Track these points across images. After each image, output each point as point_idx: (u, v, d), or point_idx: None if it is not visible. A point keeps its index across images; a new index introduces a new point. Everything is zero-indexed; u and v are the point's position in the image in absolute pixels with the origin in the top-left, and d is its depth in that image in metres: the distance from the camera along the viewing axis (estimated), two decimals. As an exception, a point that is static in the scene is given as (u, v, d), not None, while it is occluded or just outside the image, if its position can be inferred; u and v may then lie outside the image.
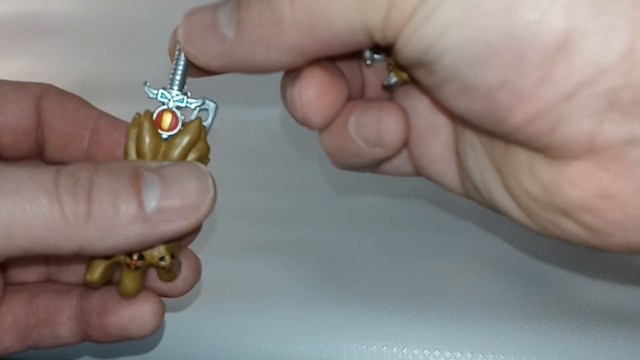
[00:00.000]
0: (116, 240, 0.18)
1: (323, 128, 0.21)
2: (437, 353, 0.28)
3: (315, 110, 0.19)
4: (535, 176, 0.17)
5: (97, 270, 0.20)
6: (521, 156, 0.17)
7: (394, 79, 0.21)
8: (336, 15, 0.16)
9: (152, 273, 0.22)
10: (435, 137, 0.22)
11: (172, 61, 0.21)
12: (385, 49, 0.19)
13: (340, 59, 0.21)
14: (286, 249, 0.35)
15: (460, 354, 0.27)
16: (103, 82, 0.57)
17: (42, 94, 0.23)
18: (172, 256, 0.20)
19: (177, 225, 0.19)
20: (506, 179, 0.19)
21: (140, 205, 0.18)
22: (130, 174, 0.18)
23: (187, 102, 0.21)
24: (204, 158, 0.21)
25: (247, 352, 0.29)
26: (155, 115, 0.21)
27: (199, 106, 0.21)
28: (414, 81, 0.20)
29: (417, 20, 0.15)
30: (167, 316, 0.30)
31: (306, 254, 0.35)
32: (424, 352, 0.28)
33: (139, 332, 0.21)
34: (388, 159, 0.22)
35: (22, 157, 0.24)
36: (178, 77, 0.21)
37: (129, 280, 0.21)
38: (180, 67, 0.21)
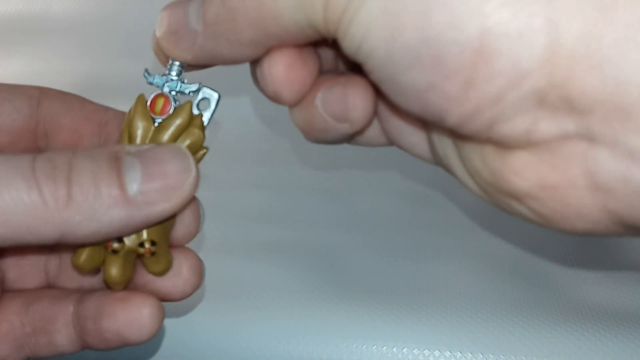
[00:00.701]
0: (99, 224, 0.18)
1: (295, 104, 0.21)
2: (437, 353, 0.28)
3: (286, 86, 0.20)
4: (486, 162, 0.18)
5: (83, 253, 0.20)
6: (474, 144, 0.18)
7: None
8: (282, 13, 0.17)
9: (151, 276, 0.22)
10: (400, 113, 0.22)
11: (160, 61, 0.21)
12: None
13: None
14: (286, 248, 0.35)
15: (460, 354, 0.27)
16: (103, 82, 0.57)
17: (40, 95, 0.23)
18: (153, 243, 0.20)
19: (160, 207, 0.18)
20: (464, 159, 0.19)
21: (122, 187, 0.18)
22: (109, 158, 0.18)
23: (181, 86, 0.21)
24: (197, 145, 0.21)
25: (247, 352, 0.29)
26: (149, 100, 0.21)
27: (194, 91, 0.21)
28: None
29: (346, 20, 0.16)
30: (167, 316, 0.30)
31: (306, 254, 0.35)
32: (424, 352, 0.28)
33: (137, 336, 0.20)
34: (359, 132, 0.22)
35: None
36: (177, 63, 0.21)
37: (110, 266, 0.20)
38: None
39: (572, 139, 0.15)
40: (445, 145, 0.20)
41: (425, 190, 0.42)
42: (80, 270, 0.21)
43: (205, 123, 0.21)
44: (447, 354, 0.27)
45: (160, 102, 0.21)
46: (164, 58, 0.21)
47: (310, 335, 0.29)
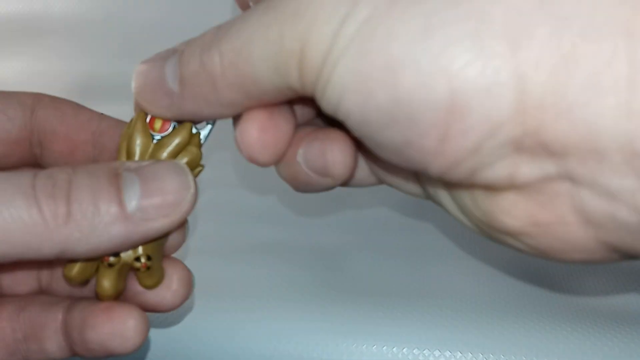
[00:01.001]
0: (98, 241, 0.18)
1: (272, 164, 0.21)
2: (437, 353, 0.28)
3: (260, 150, 0.20)
4: (476, 204, 0.18)
5: (75, 266, 0.20)
6: (461, 188, 0.18)
7: None
8: (260, 77, 0.17)
9: (140, 287, 0.22)
10: None
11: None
12: None
13: None
14: (286, 249, 0.35)
15: (460, 354, 0.27)
16: (103, 82, 0.57)
17: (34, 103, 0.23)
18: (149, 258, 0.20)
19: (159, 223, 0.18)
20: (455, 200, 0.19)
21: (121, 204, 0.18)
22: (109, 174, 0.18)
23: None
24: (195, 163, 0.21)
25: (246, 352, 0.29)
26: (149, 117, 0.21)
27: None
28: None
29: (321, 84, 0.16)
30: (163, 315, 0.30)
31: (306, 254, 0.35)
32: (424, 352, 0.28)
33: (121, 348, 0.20)
34: (344, 182, 0.23)
35: (14, 166, 0.23)
36: None
37: (104, 279, 0.20)
38: None
39: (555, 180, 0.15)
40: (436, 188, 0.20)
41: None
42: (70, 282, 0.21)
43: (202, 141, 0.21)
44: (447, 354, 0.27)
45: (160, 121, 0.21)
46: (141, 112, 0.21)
47: (310, 335, 0.29)
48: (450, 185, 0.19)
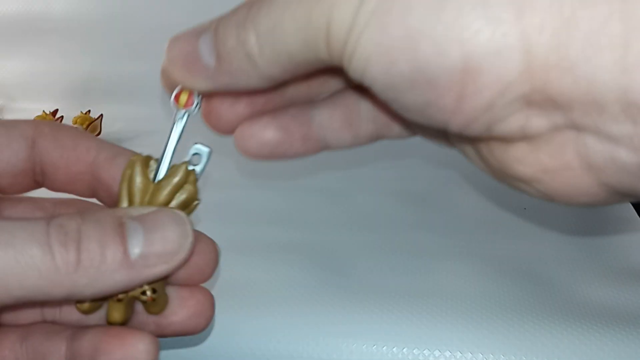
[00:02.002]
0: (103, 286, 0.19)
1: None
2: (437, 353, 0.28)
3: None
4: (492, 154, 0.20)
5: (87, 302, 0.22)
6: (479, 140, 0.20)
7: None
8: (293, 52, 0.19)
9: (178, 316, 0.23)
10: None
11: (166, 89, 0.22)
12: None
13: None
14: (286, 249, 0.35)
15: (460, 354, 0.27)
16: (103, 82, 0.57)
17: (35, 134, 0.24)
18: (154, 291, 0.21)
19: (159, 269, 0.20)
20: (475, 150, 0.21)
21: (126, 252, 0.19)
22: (114, 224, 0.20)
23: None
24: (192, 200, 0.23)
25: (247, 351, 0.29)
26: (174, 93, 0.22)
27: (191, 151, 0.23)
28: None
29: (347, 56, 0.18)
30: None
31: (306, 254, 0.35)
32: (424, 352, 0.28)
33: None
34: (388, 130, 0.25)
35: (21, 192, 0.24)
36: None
37: (114, 312, 0.22)
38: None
39: (562, 129, 0.17)
40: (459, 140, 0.22)
41: (426, 191, 0.42)
42: (83, 313, 0.22)
43: (198, 176, 0.23)
44: (447, 354, 0.27)
45: (185, 95, 0.22)
46: (170, 86, 0.22)
47: (310, 335, 0.29)
48: (469, 138, 0.20)
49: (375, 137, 0.25)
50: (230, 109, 0.23)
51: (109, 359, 0.21)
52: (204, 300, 0.23)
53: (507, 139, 0.18)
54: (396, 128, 0.25)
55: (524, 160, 0.18)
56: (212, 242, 0.24)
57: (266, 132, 0.23)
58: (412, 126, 0.25)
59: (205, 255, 0.23)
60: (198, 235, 0.23)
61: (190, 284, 0.23)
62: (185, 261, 0.21)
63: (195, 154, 0.23)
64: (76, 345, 0.22)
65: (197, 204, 0.23)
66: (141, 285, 0.21)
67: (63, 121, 0.53)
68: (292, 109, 0.24)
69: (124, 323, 0.22)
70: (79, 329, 0.22)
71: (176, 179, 0.22)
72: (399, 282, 0.32)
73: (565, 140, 0.17)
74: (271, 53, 0.19)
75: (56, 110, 0.54)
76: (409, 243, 0.36)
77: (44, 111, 0.53)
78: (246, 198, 0.42)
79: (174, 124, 0.22)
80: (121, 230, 0.20)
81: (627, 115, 0.16)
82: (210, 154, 0.23)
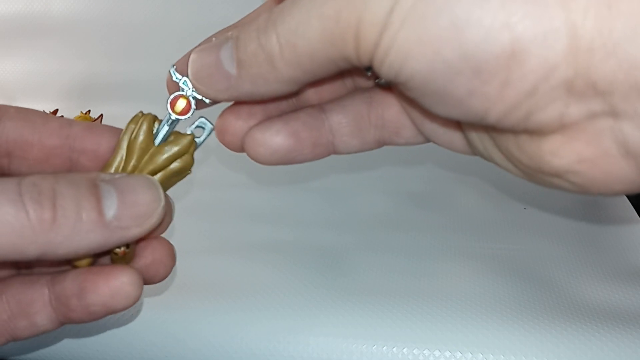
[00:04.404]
0: (78, 246, 0.19)
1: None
2: (437, 353, 0.27)
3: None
4: (523, 150, 0.20)
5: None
6: (510, 135, 0.20)
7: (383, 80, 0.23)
8: (316, 52, 0.19)
9: (140, 264, 0.23)
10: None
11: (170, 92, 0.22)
12: None
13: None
14: (286, 249, 0.35)
15: (460, 354, 0.27)
16: (103, 82, 0.57)
17: (0, 114, 0.24)
18: (127, 246, 0.22)
19: (132, 232, 0.20)
20: (501, 149, 0.21)
21: (101, 212, 0.20)
22: (89, 185, 0.20)
23: (195, 103, 0.22)
24: (186, 169, 0.23)
25: (247, 352, 0.29)
26: (171, 98, 0.22)
27: (211, 103, 0.22)
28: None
29: (382, 51, 0.18)
30: (165, 316, 0.30)
31: (306, 254, 0.35)
32: (424, 352, 0.28)
33: (122, 304, 0.22)
34: (396, 136, 0.25)
35: None
36: None
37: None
38: None
39: (599, 117, 0.17)
40: (483, 139, 0.22)
41: (425, 191, 0.42)
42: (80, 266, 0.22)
43: (196, 148, 0.23)
44: (447, 354, 0.27)
45: (183, 102, 0.22)
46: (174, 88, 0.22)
47: (310, 336, 0.29)
48: (500, 133, 0.21)
49: (382, 144, 0.26)
50: (244, 125, 0.23)
51: (96, 296, 0.21)
52: (161, 249, 0.24)
53: (541, 131, 0.18)
54: (405, 135, 0.25)
55: (558, 152, 0.18)
56: (166, 195, 0.24)
57: (278, 139, 0.23)
58: (429, 130, 0.25)
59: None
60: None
61: (147, 237, 0.24)
62: (156, 225, 0.21)
63: (199, 126, 0.23)
64: (59, 288, 0.22)
65: (188, 174, 0.23)
66: (113, 248, 0.21)
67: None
68: (302, 114, 0.24)
69: (86, 266, 0.22)
70: (57, 273, 0.23)
71: (179, 148, 0.22)
72: (399, 282, 0.32)
73: (601, 128, 0.17)
74: (293, 54, 0.19)
75: (56, 110, 0.54)
76: (409, 243, 0.36)
77: (43, 111, 0.53)
78: (246, 198, 0.42)
79: (164, 122, 0.22)
80: (96, 191, 0.20)
81: None
82: (212, 130, 0.23)
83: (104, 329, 0.30)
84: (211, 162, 0.47)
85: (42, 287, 0.22)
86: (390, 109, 0.25)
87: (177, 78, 0.22)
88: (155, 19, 0.57)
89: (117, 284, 0.21)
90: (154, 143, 0.22)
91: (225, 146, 0.24)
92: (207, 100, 0.22)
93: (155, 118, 0.23)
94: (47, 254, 0.19)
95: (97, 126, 0.24)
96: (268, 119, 0.24)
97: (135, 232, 0.20)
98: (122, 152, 0.22)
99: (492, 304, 0.30)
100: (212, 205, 0.41)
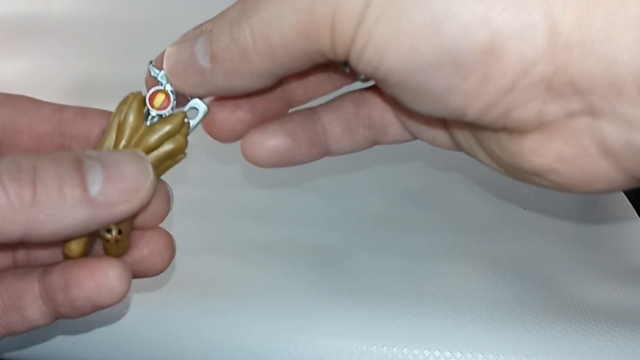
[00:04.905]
0: (62, 224, 0.19)
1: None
2: (437, 353, 0.27)
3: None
4: (503, 148, 0.20)
5: (76, 246, 0.21)
6: (490, 133, 0.20)
7: (362, 76, 0.23)
8: (291, 45, 0.18)
9: (132, 257, 0.23)
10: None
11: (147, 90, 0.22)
12: None
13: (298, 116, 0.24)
14: (286, 248, 0.35)
15: (460, 354, 0.27)
16: (103, 82, 0.57)
17: None
18: (120, 232, 0.21)
19: (120, 208, 0.19)
20: (483, 147, 0.21)
21: (85, 188, 0.19)
22: (72, 161, 0.19)
23: (176, 97, 0.22)
24: (179, 151, 0.22)
25: (247, 352, 0.29)
26: (149, 93, 0.22)
27: (190, 104, 0.22)
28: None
29: (358, 47, 0.17)
30: (164, 315, 0.30)
31: (306, 254, 0.35)
32: (424, 352, 0.28)
33: (108, 300, 0.21)
34: (384, 134, 0.25)
35: None
36: None
37: (73, 242, 0.21)
38: None
39: (578, 116, 0.17)
40: (466, 137, 0.22)
41: (425, 191, 0.42)
42: (70, 255, 0.22)
43: (190, 131, 0.22)
44: (447, 354, 0.27)
45: (161, 97, 0.22)
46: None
47: (310, 336, 0.29)
48: (479, 130, 0.20)
49: (372, 143, 0.25)
50: (231, 116, 0.23)
51: (81, 289, 0.20)
52: (158, 239, 0.23)
53: (520, 129, 0.18)
54: (392, 132, 0.25)
55: (538, 151, 0.18)
56: (163, 182, 0.23)
57: (275, 140, 0.23)
58: (413, 127, 0.25)
59: (156, 196, 0.23)
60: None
61: (144, 227, 0.23)
62: (148, 200, 0.20)
63: (193, 108, 0.22)
64: (47, 281, 0.21)
65: (182, 158, 0.22)
66: (101, 229, 0.20)
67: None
68: (296, 115, 0.24)
69: (77, 257, 0.21)
70: (49, 266, 0.22)
71: (170, 127, 0.22)
72: (399, 282, 0.32)
73: (580, 128, 0.17)
74: (266, 46, 0.18)
75: (56, 110, 0.54)
76: (410, 243, 0.36)
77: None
78: (244, 197, 0.42)
79: (147, 120, 0.22)
80: (79, 167, 0.19)
81: None
82: (207, 111, 0.22)
83: (99, 325, 0.30)
84: (207, 161, 0.47)
85: (34, 280, 0.22)
86: (376, 107, 0.24)
87: (155, 73, 0.22)
88: (155, 19, 0.57)
89: (102, 278, 0.20)
90: (145, 123, 0.22)
91: (213, 138, 0.23)
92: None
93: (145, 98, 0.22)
94: (30, 234, 0.18)
95: (89, 110, 0.24)
96: (259, 120, 0.23)
97: (123, 208, 0.19)
98: (113, 133, 0.22)
99: (492, 304, 0.30)
100: (210, 203, 0.41)
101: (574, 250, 0.35)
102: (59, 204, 0.18)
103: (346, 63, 0.20)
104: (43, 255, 0.24)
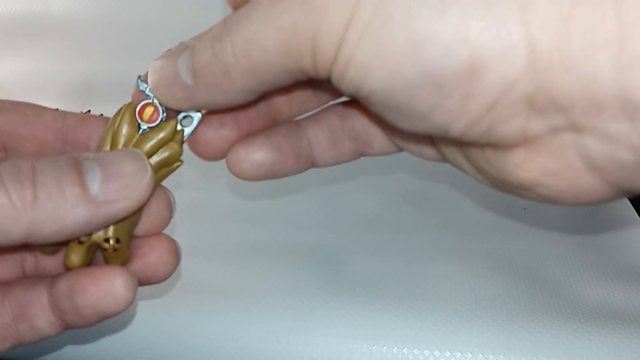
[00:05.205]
0: (64, 223, 0.19)
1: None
2: (437, 353, 0.27)
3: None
4: (489, 163, 0.20)
5: (72, 254, 0.21)
6: (474, 148, 0.20)
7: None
8: (272, 63, 0.18)
9: (135, 265, 0.23)
10: None
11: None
12: None
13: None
14: (286, 249, 0.35)
15: (460, 354, 0.27)
16: (103, 82, 0.57)
17: None
18: (117, 240, 0.21)
19: (120, 205, 0.20)
20: (470, 161, 0.21)
21: (84, 187, 0.19)
22: (70, 162, 0.20)
23: (165, 109, 0.22)
24: (175, 159, 0.22)
25: (247, 352, 0.29)
26: (139, 107, 0.22)
27: (183, 112, 0.22)
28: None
29: (340, 66, 0.17)
30: (164, 317, 0.30)
31: (306, 255, 0.35)
32: (424, 352, 0.28)
33: (113, 308, 0.21)
34: (369, 147, 0.25)
35: None
36: None
37: (72, 253, 0.21)
38: None
39: (562, 132, 0.17)
40: (452, 151, 0.22)
41: (425, 191, 0.42)
42: (46, 252, 0.22)
43: (185, 139, 0.22)
44: (447, 354, 0.27)
45: (150, 110, 0.22)
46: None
47: (310, 336, 0.29)
48: (465, 146, 0.20)
49: (358, 154, 0.26)
50: (216, 134, 0.23)
51: (86, 298, 0.20)
52: (161, 246, 0.23)
53: (506, 145, 0.18)
54: (377, 145, 0.25)
55: (524, 166, 0.18)
56: (163, 188, 0.23)
57: (261, 153, 0.23)
58: (399, 140, 0.25)
59: (157, 202, 0.23)
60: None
61: (147, 235, 0.23)
62: (147, 198, 0.20)
63: (187, 116, 0.22)
64: (54, 290, 0.21)
65: (179, 165, 0.23)
66: (106, 227, 0.21)
67: (63, 121, 0.53)
68: (282, 128, 0.24)
69: (78, 268, 0.21)
70: (56, 275, 0.22)
71: (163, 134, 0.22)
72: (399, 282, 0.32)
73: (565, 143, 0.17)
74: (247, 64, 0.18)
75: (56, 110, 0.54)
76: (410, 243, 0.36)
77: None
78: (243, 199, 0.42)
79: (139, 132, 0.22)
80: (77, 167, 0.19)
81: (624, 114, 0.16)
82: (201, 119, 0.22)
83: (103, 330, 0.30)
84: (205, 163, 0.47)
85: (42, 289, 0.22)
86: (361, 120, 0.24)
87: (143, 87, 0.22)
88: (155, 19, 0.57)
89: (107, 285, 0.21)
90: (137, 132, 0.22)
91: (197, 155, 0.23)
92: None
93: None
94: (33, 234, 0.19)
95: (90, 118, 0.24)
96: (244, 136, 0.23)
97: (123, 205, 0.20)
98: (107, 144, 0.22)
99: (492, 304, 0.30)
100: (209, 207, 0.41)
101: (574, 250, 0.35)
102: (60, 203, 0.19)
103: (329, 81, 0.20)
104: (51, 264, 0.24)
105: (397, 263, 0.34)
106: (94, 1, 0.58)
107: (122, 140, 0.22)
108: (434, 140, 0.23)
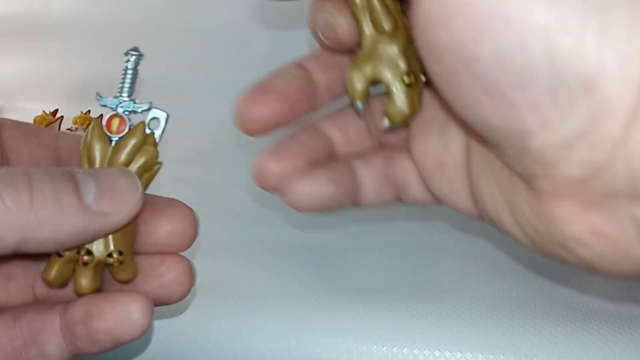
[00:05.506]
0: (59, 230, 0.19)
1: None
2: (437, 353, 0.27)
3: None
4: (536, 213, 0.19)
5: (53, 268, 0.21)
6: (525, 194, 0.19)
7: (386, 124, 0.23)
8: None
9: (151, 285, 0.23)
10: (447, 173, 0.23)
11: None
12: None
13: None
14: (286, 249, 0.35)
15: (460, 354, 0.27)
16: (103, 82, 0.56)
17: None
18: (120, 253, 0.21)
19: (113, 218, 0.20)
20: (514, 212, 0.20)
21: (80, 197, 0.19)
22: (65, 173, 0.20)
23: (134, 106, 0.23)
24: (152, 161, 0.23)
25: (247, 352, 0.29)
26: (105, 120, 0.22)
27: (145, 110, 0.23)
28: (431, 87, 0.23)
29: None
30: (172, 319, 0.30)
31: (306, 255, 0.35)
32: (424, 352, 0.28)
33: (129, 333, 0.21)
34: (404, 195, 0.25)
35: None
36: (127, 85, 0.23)
37: (81, 277, 0.21)
38: (129, 75, 0.23)
39: (621, 196, 0.16)
40: (496, 200, 0.21)
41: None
42: (50, 284, 0.22)
43: (157, 140, 0.23)
44: (447, 354, 0.27)
45: (116, 122, 0.22)
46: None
47: (310, 336, 0.29)
48: (518, 169, 0.19)
49: (396, 199, 0.26)
50: (283, 170, 0.24)
51: (102, 322, 0.20)
52: (176, 266, 0.23)
53: (556, 189, 0.17)
54: (412, 194, 0.25)
55: (572, 220, 0.17)
56: (188, 209, 0.24)
57: (320, 186, 0.23)
58: (436, 189, 0.24)
59: (180, 221, 0.23)
60: (173, 202, 0.24)
61: (165, 252, 0.23)
62: (137, 212, 0.21)
63: (153, 118, 0.23)
64: (68, 315, 0.21)
65: (159, 168, 0.23)
66: (97, 239, 0.21)
67: (63, 121, 0.53)
68: (338, 164, 0.24)
69: (92, 293, 0.22)
70: (70, 301, 0.22)
71: (134, 140, 0.22)
72: (399, 282, 0.32)
73: (621, 207, 0.16)
74: None
75: (56, 110, 0.54)
76: (409, 243, 0.36)
77: (44, 111, 0.53)
78: (244, 198, 0.42)
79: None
80: (72, 179, 0.20)
81: None
82: (167, 118, 0.23)
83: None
84: (209, 165, 0.47)
85: (54, 315, 0.22)
86: (403, 168, 0.25)
87: (103, 102, 0.22)
88: (155, 19, 0.57)
89: (123, 310, 0.20)
90: (110, 144, 0.22)
91: (263, 189, 0.24)
92: (139, 110, 0.22)
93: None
94: (27, 239, 0.18)
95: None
96: (306, 169, 0.24)
97: (116, 218, 0.20)
98: (85, 164, 0.22)
99: (492, 304, 0.30)
100: (212, 207, 0.41)
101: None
102: (56, 209, 0.19)
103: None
104: (63, 290, 0.24)
105: (397, 262, 0.34)
106: (94, 1, 0.58)
107: (97, 155, 0.22)
108: (477, 188, 0.22)
